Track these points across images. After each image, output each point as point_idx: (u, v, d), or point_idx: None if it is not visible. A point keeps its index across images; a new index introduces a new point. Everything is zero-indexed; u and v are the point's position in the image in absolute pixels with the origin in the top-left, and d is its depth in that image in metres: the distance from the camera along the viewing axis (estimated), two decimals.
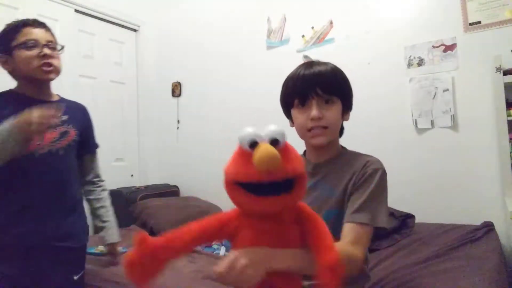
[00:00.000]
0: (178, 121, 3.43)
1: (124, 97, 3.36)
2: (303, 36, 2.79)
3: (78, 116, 1.48)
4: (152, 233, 2.42)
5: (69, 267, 1.40)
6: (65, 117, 1.39)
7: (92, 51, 3.04)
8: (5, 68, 1.32)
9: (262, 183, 0.65)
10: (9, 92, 1.34)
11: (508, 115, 1.94)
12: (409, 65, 2.40)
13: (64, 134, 1.39)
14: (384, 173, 0.98)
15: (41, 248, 1.29)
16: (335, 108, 0.98)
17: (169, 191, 3.19)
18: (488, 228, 1.94)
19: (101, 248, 1.98)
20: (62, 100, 1.46)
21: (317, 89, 0.96)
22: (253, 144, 0.66)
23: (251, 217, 0.74)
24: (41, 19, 1.41)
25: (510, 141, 1.96)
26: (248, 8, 3.05)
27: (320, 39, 2.72)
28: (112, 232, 1.57)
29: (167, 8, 3.55)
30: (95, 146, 1.60)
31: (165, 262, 0.71)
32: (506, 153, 1.96)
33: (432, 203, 2.27)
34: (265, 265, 0.70)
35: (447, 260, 1.64)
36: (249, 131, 0.68)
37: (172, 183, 3.33)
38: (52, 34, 1.40)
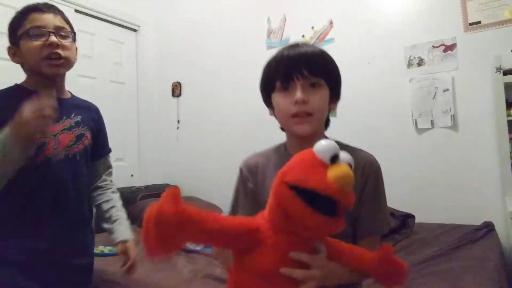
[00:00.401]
0: (178, 121, 3.43)
1: (124, 97, 3.36)
2: (303, 36, 2.79)
3: (92, 117, 1.32)
4: None
5: (78, 286, 1.24)
6: (78, 118, 1.23)
7: (92, 51, 3.03)
8: (16, 61, 1.15)
9: (330, 198, 0.61)
10: (15, 88, 1.16)
11: (508, 115, 1.94)
12: (409, 65, 2.40)
13: (80, 137, 1.22)
14: (381, 170, 0.93)
15: (52, 266, 1.13)
16: (322, 93, 0.88)
17: None
18: (488, 228, 1.94)
19: (101, 248, 1.98)
20: (73, 98, 1.29)
21: (303, 69, 0.85)
22: (334, 159, 0.64)
23: (283, 233, 0.67)
24: None
25: (510, 141, 1.96)
26: (248, 8, 3.05)
27: (320, 39, 2.72)
28: (125, 228, 1.31)
29: (167, 8, 3.55)
30: (108, 150, 1.44)
31: (188, 236, 0.60)
32: (506, 153, 1.96)
33: (432, 203, 2.27)
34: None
35: (447, 260, 1.64)
36: (334, 145, 0.65)
37: (172, 183, 3.33)
38: (64, 19, 1.19)
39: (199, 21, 3.32)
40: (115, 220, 1.30)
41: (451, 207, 2.22)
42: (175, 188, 0.59)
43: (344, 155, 0.66)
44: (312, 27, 2.76)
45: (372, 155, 0.93)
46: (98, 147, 1.33)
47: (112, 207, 1.34)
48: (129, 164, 3.33)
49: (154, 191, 3.04)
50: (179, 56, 3.44)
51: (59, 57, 1.11)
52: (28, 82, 1.17)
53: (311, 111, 0.85)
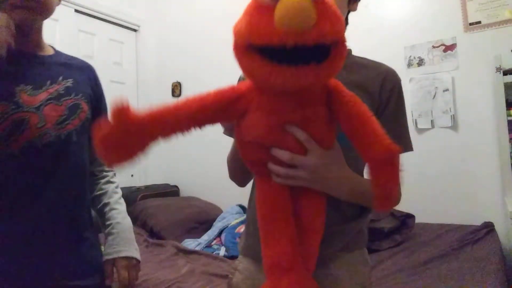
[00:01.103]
0: None
1: (124, 97, 3.35)
2: None
3: (87, 80, 0.96)
4: (152, 233, 2.42)
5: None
6: (69, 83, 0.88)
7: (92, 51, 3.03)
8: None
9: (285, 47, 0.47)
10: None
11: (508, 115, 1.94)
12: (409, 65, 2.40)
13: (73, 108, 0.87)
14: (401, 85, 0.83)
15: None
16: None
17: (169, 191, 3.19)
18: (488, 228, 1.94)
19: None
20: (58, 55, 0.94)
21: None
22: None
23: (268, 94, 0.58)
24: None
25: (510, 141, 1.96)
26: None
27: None
28: (112, 243, 0.95)
29: (167, 8, 3.55)
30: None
31: (150, 139, 0.57)
32: (506, 153, 1.96)
33: (432, 203, 2.27)
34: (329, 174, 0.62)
35: (448, 261, 1.64)
36: None
37: (172, 183, 3.33)
38: None
39: (199, 21, 3.32)
40: (108, 226, 0.98)
41: (451, 207, 2.22)
42: (122, 105, 0.55)
43: None
44: None
45: (393, 68, 0.85)
46: (96, 120, 0.86)
47: (105, 204, 1.01)
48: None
49: (154, 191, 3.04)
50: (179, 56, 3.44)
51: None
52: None
53: None
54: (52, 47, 0.94)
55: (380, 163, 0.56)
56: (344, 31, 0.57)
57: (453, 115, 2.25)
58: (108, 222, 0.97)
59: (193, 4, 3.39)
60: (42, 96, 0.82)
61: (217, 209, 2.77)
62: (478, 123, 2.18)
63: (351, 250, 0.81)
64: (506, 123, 1.94)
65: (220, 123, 0.66)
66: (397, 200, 0.67)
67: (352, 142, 0.59)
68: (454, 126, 2.25)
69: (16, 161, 0.77)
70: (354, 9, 0.84)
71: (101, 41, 3.12)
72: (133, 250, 0.96)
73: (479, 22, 2.20)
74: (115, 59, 3.26)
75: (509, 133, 1.95)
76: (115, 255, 0.93)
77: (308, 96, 0.57)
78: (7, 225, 0.78)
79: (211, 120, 0.61)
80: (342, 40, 0.54)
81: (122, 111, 0.54)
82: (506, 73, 1.96)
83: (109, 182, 1.06)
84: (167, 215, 2.51)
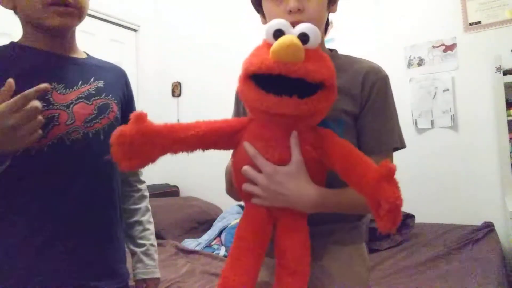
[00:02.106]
0: (178, 121, 3.42)
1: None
2: None
3: (119, 82, 0.99)
4: None
5: None
6: (100, 83, 0.91)
7: (92, 51, 3.03)
8: (5, 5, 0.86)
9: (273, 76, 0.56)
10: (11, 47, 0.86)
11: (508, 115, 1.94)
12: (409, 65, 2.40)
13: (103, 108, 0.88)
14: (389, 79, 0.84)
15: None
16: None
17: (169, 191, 3.19)
18: (488, 228, 1.94)
19: None
20: (91, 58, 0.98)
21: None
22: (279, 35, 0.58)
23: (258, 122, 0.66)
24: None
25: (510, 141, 1.96)
26: (248, 8, 3.04)
27: None
28: (148, 264, 1.00)
29: (167, 8, 3.55)
30: None
31: (159, 150, 0.64)
32: (506, 153, 1.96)
33: (432, 203, 2.27)
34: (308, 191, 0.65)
35: (448, 261, 1.64)
36: (278, 20, 0.61)
37: (172, 183, 3.33)
38: None
39: (200, 21, 3.32)
40: (140, 245, 1.01)
41: (451, 207, 2.22)
42: (141, 112, 0.62)
43: (299, 27, 0.61)
44: None
45: (378, 65, 0.85)
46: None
47: (137, 222, 1.03)
48: None
49: (154, 191, 3.03)
50: (179, 56, 3.43)
51: (67, 3, 0.82)
52: (26, 38, 0.86)
53: (307, 20, 0.71)
54: (85, 52, 0.99)
55: (378, 181, 0.56)
56: (333, 78, 0.62)
57: (453, 115, 2.25)
58: (141, 242, 1.02)
59: (193, 4, 3.39)
60: (73, 95, 0.84)
61: (217, 209, 2.77)
62: (478, 123, 2.18)
63: (345, 245, 0.79)
64: (506, 123, 1.94)
65: (224, 150, 0.71)
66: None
67: (346, 178, 0.63)
68: (454, 126, 2.25)
69: (45, 157, 0.78)
70: (334, 11, 0.84)
71: (101, 41, 3.13)
72: (159, 271, 1.04)
73: (479, 22, 2.20)
74: (115, 59, 3.23)
75: (509, 133, 1.95)
76: (150, 275, 1.00)
77: (292, 129, 0.64)
78: (34, 222, 0.79)
79: (215, 145, 0.68)
80: (330, 85, 0.60)
81: (141, 116, 0.61)
82: (506, 73, 1.96)
83: (142, 197, 1.08)
84: (167, 215, 2.51)
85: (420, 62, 2.37)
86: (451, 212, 2.20)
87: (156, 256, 1.04)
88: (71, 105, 0.83)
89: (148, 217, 1.07)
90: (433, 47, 2.33)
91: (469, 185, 2.19)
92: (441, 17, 2.31)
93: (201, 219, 2.58)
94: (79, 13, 0.87)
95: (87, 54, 0.98)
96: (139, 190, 1.08)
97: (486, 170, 2.14)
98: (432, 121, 2.31)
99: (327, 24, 0.86)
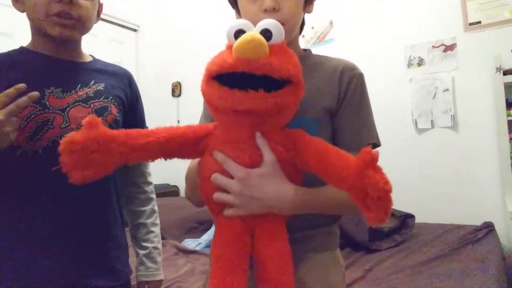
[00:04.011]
0: (178, 121, 3.43)
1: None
2: (303, 36, 2.79)
3: (121, 85, 0.99)
4: None
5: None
6: (100, 86, 0.91)
7: (92, 51, 3.03)
8: (18, 8, 0.89)
9: (237, 74, 0.54)
10: (20, 51, 0.89)
11: (508, 115, 1.94)
12: (409, 65, 2.40)
13: (101, 111, 0.89)
14: (364, 78, 0.83)
15: None
16: None
17: (169, 191, 3.19)
18: (488, 228, 1.94)
19: None
20: (95, 62, 1.00)
21: None
22: (240, 35, 0.56)
23: (224, 126, 0.63)
24: None
25: (510, 141, 1.96)
26: None
27: (320, 39, 2.72)
28: (150, 266, 1.02)
29: (167, 8, 3.55)
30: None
31: (116, 158, 0.57)
32: (506, 153, 1.96)
33: (432, 203, 2.27)
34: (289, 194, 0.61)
35: (448, 261, 1.64)
36: (239, 20, 0.60)
37: (172, 183, 3.33)
38: None
39: (200, 21, 3.32)
40: (144, 248, 1.02)
41: (451, 207, 2.22)
42: (93, 117, 0.57)
43: (260, 24, 0.59)
44: (312, 27, 2.76)
45: (353, 63, 0.83)
46: (131, 126, 0.83)
47: (142, 224, 1.04)
48: None
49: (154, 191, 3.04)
50: (179, 56, 3.44)
51: (70, 16, 0.84)
52: (33, 43, 0.90)
53: (283, 20, 0.70)
54: (92, 56, 1.01)
55: (362, 170, 0.51)
56: (300, 75, 0.60)
57: (453, 115, 2.25)
58: (144, 244, 1.02)
59: (193, 4, 3.39)
60: (70, 98, 0.86)
61: None
62: (478, 123, 2.18)
63: (320, 251, 0.77)
64: (506, 123, 1.94)
65: (189, 158, 0.67)
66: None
67: (324, 175, 0.59)
68: (454, 126, 2.25)
69: (40, 159, 0.80)
70: (310, 11, 0.83)
71: (101, 41, 3.13)
72: (162, 272, 1.05)
73: (479, 22, 2.20)
74: (115, 59, 3.25)
75: (509, 133, 1.95)
76: (151, 278, 1.01)
77: (261, 130, 0.60)
78: (30, 222, 0.81)
79: (178, 153, 0.63)
80: (297, 81, 0.58)
81: (95, 121, 0.56)
82: (506, 73, 1.96)
83: (148, 199, 1.08)
84: (167, 215, 2.51)
85: (420, 62, 2.37)
86: (451, 212, 2.20)
87: (159, 259, 1.04)
88: (67, 109, 0.84)
89: (153, 220, 1.07)
90: (433, 47, 2.33)
91: (469, 185, 2.19)
92: (441, 17, 2.31)
93: (201, 219, 2.58)
94: (80, 25, 0.88)
95: (93, 57, 1.00)
96: (145, 192, 1.08)
97: (486, 170, 2.14)
98: (432, 121, 2.31)
99: (303, 24, 0.85)
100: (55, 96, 0.84)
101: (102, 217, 0.90)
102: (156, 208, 1.11)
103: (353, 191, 0.54)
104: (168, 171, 3.43)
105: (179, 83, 3.44)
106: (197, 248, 2.13)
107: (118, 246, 0.94)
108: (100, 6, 0.97)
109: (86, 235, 0.85)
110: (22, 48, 0.90)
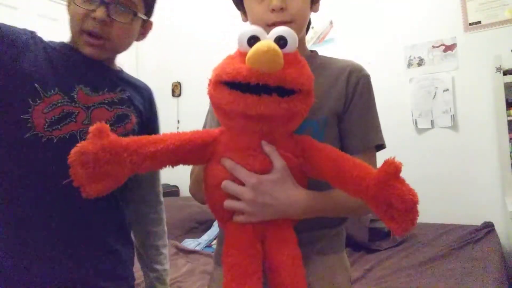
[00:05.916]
0: (178, 121, 3.43)
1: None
2: None
3: (143, 99, 1.00)
4: None
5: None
6: (125, 95, 0.92)
7: None
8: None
9: (250, 84, 0.53)
10: (61, 45, 0.88)
11: (508, 115, 1.94)
12: (409, 65, 2.40)
13: (122, 118, 0.88)
14: (370, 79, 0.83)
15: None
16: None
17: (169, 191, 3.19)
18: (488, 228, 1.94)
19: None
20: (123, 72, 0.99)
21: None
22: (253, 42, 0.54)
23: (233, 132, 0.61)
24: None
25: (510, 141, 1.96)
26: None
27: (320, 39, 2.72)
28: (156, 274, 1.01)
29: (167, 8, 3.55)
30: None
31: (128, 169, 0.55)
32: (506, 153, 1.96)
33: (432, 203, 2.27)
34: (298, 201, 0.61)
35: (448, 261, 1.64)
36: (252, 26, 0.58)
37: (172, 183, 3.33)
38: None
39: (200, 21, 3.32)
40: (153, 270, 1.01)
41: (451, 207, 2.22)
42: (101, 124, 0.54)
43: (274, 31, 0.57)
44: (312, 27, 2.75)
45: (360, 64, 0.83)
46: None
47: (151, 246, 1.02)
48: None
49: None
50: (179, 56, 3.44)
51: (99, 36, 0.82)
52: (73, 43, 0.89)
53: (290, 19, 0.71)
54: (120, 67, 1.00)
55: (386, 181, 0.51)
56: (311, 85, 0.59)
57: (453, 115, 2.25)
58: (155, 266, 1.01)
59: (193, 4, 3.39)
60: (97, 98, 0.85)
61: None
62: (478, 123, 2.18)
63: (327, 254, 0.77)
64: (506, 123, 1.94)
65: (194, 165, 0.66)
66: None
67: (340, 184, 0.59)
68: (454, 126, 2.25)
69: (52, 147, 0.76)
70: (316, 10, 0.84)
71: None
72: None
73: (479, 22, 2.20)
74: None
75: (509, 133, 1.95)
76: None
77: (271, 137, 0.59)
78: (30, 221, 0.77)
79: (186, 159, 0.63)
80: (308, 91, 0.57)
81: (104, 129, 0.54)
82: (506, 73, 1.96)
83: (160, 219, 1.07)
84: (167, 215, 2.50)
85: (420, 62, 2.37)
86: (451, 212, 2.20)
87: (168, 280, 1.03)
88: (92, 107, 0.84)
89: (163, 241, 1.06)
90: (433, 47, 2.33)
91: (469, 185, 2.19)
92: (441, 17, 2.31)
93: (201, 219, 2.58)
94: (111, 46, 0.85)
95: (121, 69, 1.00)
96: (157, 212, 1.06)
97: (486, 170, 2.14)
98: (432, 121, 2.31)
99: (308, 24, 0.85)
100: (85, 92, 0.84)
101: (100, 227, 0.86)
102: (165, 228, 1.09)
103: (374, 201, 0.53)
104: (168, 171, 3.41)
105: (179, 83, 3.44)
106: (197, 248, 2.13)
107: (122, 251, 0.91)
108: (148, 23, 0.96)
109: (87, 237, 0.82)
110: (63, 43, 0.89)
